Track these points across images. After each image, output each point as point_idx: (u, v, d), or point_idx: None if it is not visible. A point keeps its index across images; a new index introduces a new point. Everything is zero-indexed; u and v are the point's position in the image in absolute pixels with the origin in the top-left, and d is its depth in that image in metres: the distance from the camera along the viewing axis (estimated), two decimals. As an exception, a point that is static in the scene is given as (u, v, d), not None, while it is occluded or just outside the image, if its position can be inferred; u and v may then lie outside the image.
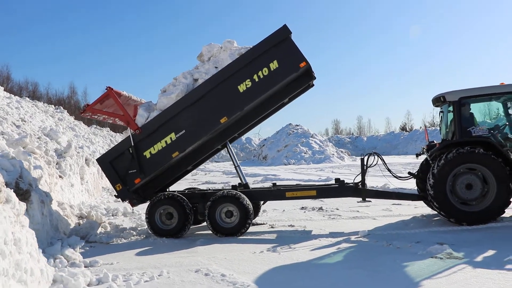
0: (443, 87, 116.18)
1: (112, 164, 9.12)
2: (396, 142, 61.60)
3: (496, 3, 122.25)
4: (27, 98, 27.92)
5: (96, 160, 9.50)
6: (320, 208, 11.64)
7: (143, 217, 11.00)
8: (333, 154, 41.75)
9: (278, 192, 9.48)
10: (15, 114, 17.17)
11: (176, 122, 8.87)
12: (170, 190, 10.03)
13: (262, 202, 10.14)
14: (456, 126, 8.76)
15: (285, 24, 8.70)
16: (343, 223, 9.56)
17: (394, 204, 11.77)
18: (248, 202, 8.74)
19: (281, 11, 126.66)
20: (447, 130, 9.41)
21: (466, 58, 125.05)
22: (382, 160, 9.61)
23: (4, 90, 22.95)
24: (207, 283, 5.62)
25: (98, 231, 9.35)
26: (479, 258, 6.10)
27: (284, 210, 11.70)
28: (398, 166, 27.23)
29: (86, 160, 16.03)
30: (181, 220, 8.81)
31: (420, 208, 10.79)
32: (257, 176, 24.58)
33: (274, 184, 10.60)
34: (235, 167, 9.67)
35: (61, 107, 31.81)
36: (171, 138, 8.87)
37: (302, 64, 8.66)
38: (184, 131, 8.84)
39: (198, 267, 6.37)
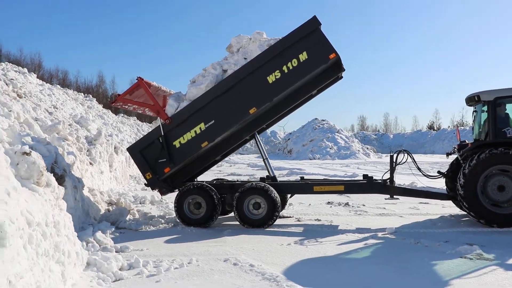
0: (474, 87, 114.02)
1: (142, 153, 9.28)
2: (423, 141, 60.75)
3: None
4: (58, 85, 28.49)
5: (127, 149, 9.67)
6: (347, 204, 11.62)
7: (171, 205, 11.19)
8: (358, 151, 41.47)
9: (306, 186, 9.51)
10: (47, 101, 17.57)
11: (206, 112, 8.97)
12: (198, 180, 10.15)
13: (289, 195, 10.18)
14: (490, 127, 8.62)
15: (314, 16, 8.73)
16: (369, 220, 9.54)
17: (421, 202, 11.66)
18: (276, 194, 8.80)
19: (310, 3, 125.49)
20: (480, 130, 9.28)
21: (502, 59, 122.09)
22: (412, 157, 9.53)
23: (36, 77, 23.48)
24: (236, 272, 5.71)
25: (127, 218, 9.54)
26: (511, 261, 6.02)
27: (310, 204, 11.72)
28: (425, 165, 26.85)
29: (115, 148, 16.31)
30: (209, 210, 8.92)
31: (448, 208, 10.67)
32: (282, 170, 24.61)
33: (302, 178, 10.63)
34: (264, 159, 9.72)
35: (90, 95, 32.38)
36: (200, 128, 8.98)
37: (332, 56, 8.68)
38: (213, 121, 8.94)
39: (227, 256, 6.47)
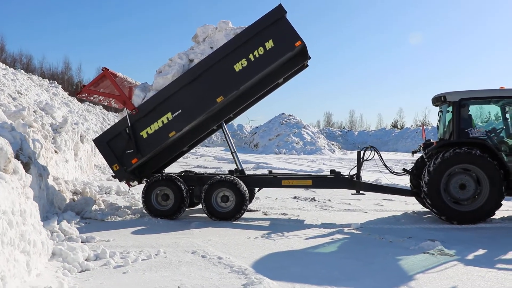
0: (437, 88, 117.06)
1: (109, 144, 9.16)
2: (387, 139, 61.87)
3: (499, 5, 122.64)
4: (21, 70, 27.64)
5: (93, 140, 9.52)
6: (313, 199, 11.77)
7: (137, 196, 11.10)
8: (324, 147, 41.91)
9: (275, 180, 9.57)
10: (11, 86, 17.04)
11: (173, 102, 8.93)
12: (166, 172, 10.08)
13: (257, 189, 10.23)
14: (454, 127, 8.88)
15: (280, 4, 8.80)
16: (335, 215, 9.70)
17: (385, 199, 11.92)
18: (245, 188, 8.83)
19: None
20: (445, 129, 9.55)
21: (463, 61, 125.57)
22: (379, 154, 9.72)
23: (-1, 61, 22.73)
24: (204, 264, 5.72)
25: (93, 208, 9.38)
26: (470, 256, 6.25)
27: (276, 199, 11.81)
28: (389, 163, 27.22)
29: (80, 136, 15.99)
30: (177, 202, 8.89)
31: (411, 205, 10.95)
32: (249, 163, 24.67)
33: (270, 172, 10.69)
34: (232, 153, 9.74)
35: (55, 82, 31.55)
36: (167, 118, 8.93)
37: (298, 43, 8.76)
38: (180, 110, 8.91)
39: (195, 248, 6.47)
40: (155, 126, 8.98)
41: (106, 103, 10.40)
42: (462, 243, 6.96)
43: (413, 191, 9.67)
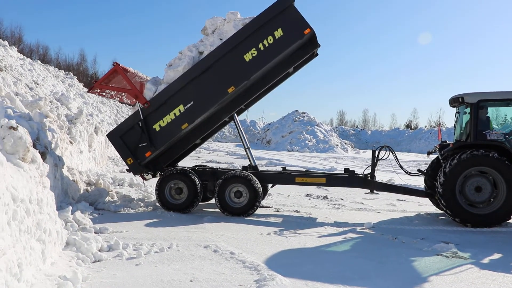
0: (452, 89, 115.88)
1: (122, 138, 9.20)
2: (400, 139, 61.43)
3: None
4: (38, 61, 27.88)
5: (107, 135, 9.56)
6: (325, 197, 11.73)
7: (150, 189, 11.15)
8: (337, 145, 41.75)
9: (288, 177, 9.53)
10: (28, 76, 17.21)
11: (184, 94, 8.95)
12: (179, 166, 10.11)
13: (270, 185, 10.22)
14: (472, 128, 8.78)
15: None
16: (347, 214, 9.65)
17: (398, 199, 11.84)
18: (258, 184, 8.83)
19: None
20: (462, 131, 9.44)
21: (479, 62, 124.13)
22: (394, 154, 9.64)
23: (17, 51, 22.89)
24: (217, 259, 5.73)
25: (106, 199, 9.45)
26: (485, 260, 6.18)
27: (289, 196, 11.79)
28: (402, 163, 27.21)
29: (95, 128, 16.10)
30: (190, 196, 8.91)
31: (425, 206, 10.87)
32: (261, 160, 24.64)
33: (284, 169, 10.65)
34: (245, 149, 9.74)
35: (71, 73, 31.79)
36: (179, 110, 8.96)
37: (307, 31, 8.75)
38: (192, 102, 8.93)
39: (207, 243, 6.49)
40: (168, 118, 9.01)
41: (117, 99, 10.46)
42: (476, 246, 6.89)
43: (428, 192, 9.59)
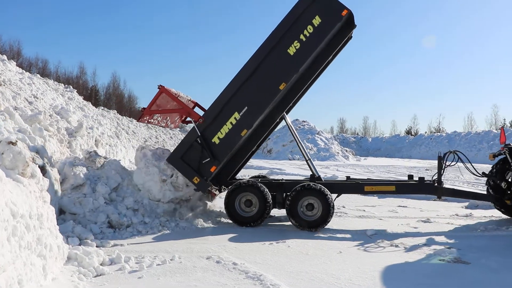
0: (451, 96, 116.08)
1: (183, 159, 9.08)
2: (401, 145, 61.50)
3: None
4: (37, 75, 27.95)
5: (167, 160, 9.26)
6: (327, 205, 11.67)
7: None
8: (338, 153, 41.76)
9: (357, 186, 9.40)
10: (27, 90, 17.23)
11: (236, 101, 8.93)
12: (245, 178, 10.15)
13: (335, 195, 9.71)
14: None
15: None
16: (349, 221, 9.62)
17: (400, 206, 11.84)
18: (331, 196, 8.60)
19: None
20: None
21: (478, 70, 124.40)
22: (461, 160, 9.46)
23: (15, 65, 22.95)
24: (219, 270, 5.70)
25: (107, 212, 9.40)
26: (487, 265, 6.15)
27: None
28: (403, 169, 27.24)
29: (95, 141, 16.08)
30: (261, 208, 8.70)
31: (426, 212, 10.85)
32: (263, 169, 24.67)
33: (348, 177, 10.46)
34: (306, 160, 9.65)
35: (71, 87, 31.85)
36: (235, 118, 8.92)
37: (344, 12, 8.76)
38: (246, 107, 8.90)
39: (209, 254, 6.46)
40: (225, 129, 8.96)
41: (163, 125, 10.38)
42: (478, 251, 6.87)
43: (495, 196, 9.47)
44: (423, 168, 29.31)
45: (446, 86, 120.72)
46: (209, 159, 8.94)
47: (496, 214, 10.47)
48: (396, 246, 7.19)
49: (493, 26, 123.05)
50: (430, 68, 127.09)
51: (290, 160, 39.02)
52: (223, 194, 9.55)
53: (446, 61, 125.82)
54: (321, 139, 43.85)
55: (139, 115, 9.66)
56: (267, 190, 8.84)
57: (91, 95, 66.54)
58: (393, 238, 7.77)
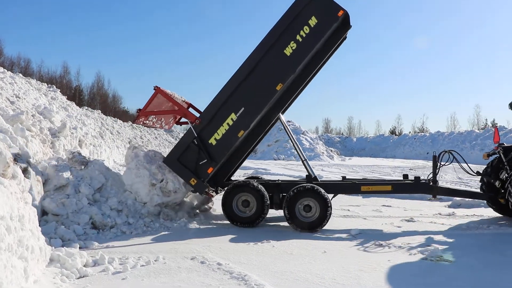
0: (435, 95, 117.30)
1: (180, 160, 9.05)
2: (385, 145, 61.98)
3: (496, 11, 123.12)
4: (20, 74, 27.57)
5: (163, 161, 9.25)
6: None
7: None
8: (323, 153, 41.93)
9: (354, 186, 9.41)
10: (9, 89, 16.99)
11: (233, 102, 8.92)
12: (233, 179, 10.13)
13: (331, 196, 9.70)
14: None
15: None
16: (334, 221, 9.60)
17: (384, 205, 11.93)
18: (327, 196, 8.58)
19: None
20: None
21: (459, 69, 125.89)
22: (457, 159, 9.52)
23: (-2, 65, 22.66)
24: (204, 270, 5.69)
25: (91, 213, 9.31)
26: (469, 262, 6.24)
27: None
28: (387, 169, 27.45)
29: (79, 141, 15.93)
30: (259, 209, 8.68)
31: (410, 211, 10.94)
32: (248, 169, 24.64)
33: (344, 178, 10.47)
34: (302, 161, 9.59)
35: (54, 86, 31.47)
36: (232, 118, 8.91)
37: (340, 13, 8.81)
38: (243, 108, 8.89)
39: (194, 254, 6.44)
40: (222, 130, 8.94)
41: (158, 126, 10.30)
42: (461, 250, 6.96)
43: (489, 195, 9.63)
44: (407, 167, 29.56)
45: (430, 87, 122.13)
46: (206, 160, 8.92)
47: (478, 212, 10.63)
48: (380, 245, 7.24)
49: (474, 27, 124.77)
50: (414, 68, 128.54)
51: (275, 160, 39.09)
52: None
53: (430, 61, 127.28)
54: (306, 139, 43.97)
55: (135, 118, 9.61)
56: (265, 191, 8.83)
57: (75, 95, 65.91)
58: (377, 237, 7.83)
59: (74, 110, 27.33)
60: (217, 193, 9.84)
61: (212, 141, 8.97)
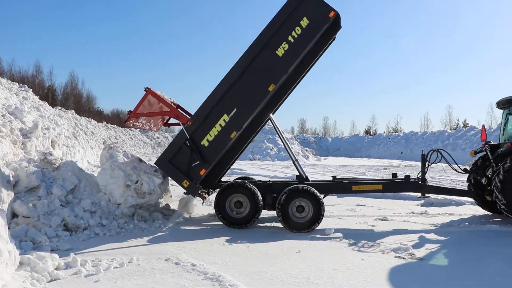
0: (408, 95, 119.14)
1: (172, 162, 8.98)
2: (360, 145, 62.59)
3: (460, 10, 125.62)
4: (-10, 74, 26.98)
5: (155, 163, 9.19)
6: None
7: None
8: (298, 153, 42.04)
9: (345, 185, 9.44)
10: (-22, 89, 16.58)
11: (225, 103, 8.90)
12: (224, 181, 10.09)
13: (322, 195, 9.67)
14: None
15: None
16: (309, 221, 9.70)
17: (358, 205, 12.06)
18: (320, 196, 8.57)
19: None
20: None
21: (434, 68, 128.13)
22: (445, 158, 9.68)
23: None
24: (178, 272, 5.66)
25: (63, 215, 9.16)
26: (440, 260, 6.40)
27: (251, 205, 11.75)
28: (362, 169, 27.75)
29: (52, 142, 15.65)
30: (252, 209, 8.64)
31: (384, 210, 11.09)
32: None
33: (334, 177, 10.47)
34: (294, 161, 9.59)
35: (26, 86, 30.86)
36: (224, 120, 8.90)
37: (331, 14, 8.91)
38: (235, 109, 8.88)
39: (168, 255, 6.41)
40: (214, 131, 8.91)
41: (147, 127, 10.17)
42: (432, 247, 7.10)
43: (477, 192, 9.84)
44: (381, 167, 29.95)
45: (404, 87, 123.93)
46: (198, 162, 8.88)
47: (449, 211, 10.85)
48: (354, 244, 7.32)
49: (447, 27, 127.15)
50: (388, 68, 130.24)
51: (251, 160, 39.08)
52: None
53: (404, 61, 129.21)
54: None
55: (125, 119, 9.45)
56: (257, 191, 8.80)
57: (48, 95, 64.73)
58: (351, 236, 7.92)
59: (47, 110, 26.84)
60: (209, 194, 9.82)
61: (205, 142, 8.95)
